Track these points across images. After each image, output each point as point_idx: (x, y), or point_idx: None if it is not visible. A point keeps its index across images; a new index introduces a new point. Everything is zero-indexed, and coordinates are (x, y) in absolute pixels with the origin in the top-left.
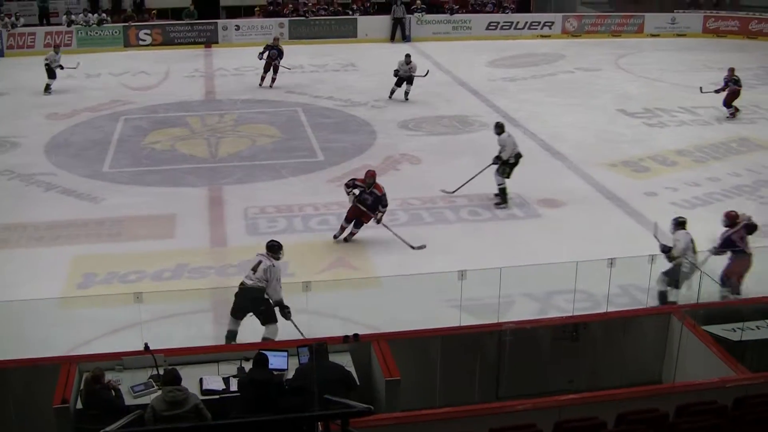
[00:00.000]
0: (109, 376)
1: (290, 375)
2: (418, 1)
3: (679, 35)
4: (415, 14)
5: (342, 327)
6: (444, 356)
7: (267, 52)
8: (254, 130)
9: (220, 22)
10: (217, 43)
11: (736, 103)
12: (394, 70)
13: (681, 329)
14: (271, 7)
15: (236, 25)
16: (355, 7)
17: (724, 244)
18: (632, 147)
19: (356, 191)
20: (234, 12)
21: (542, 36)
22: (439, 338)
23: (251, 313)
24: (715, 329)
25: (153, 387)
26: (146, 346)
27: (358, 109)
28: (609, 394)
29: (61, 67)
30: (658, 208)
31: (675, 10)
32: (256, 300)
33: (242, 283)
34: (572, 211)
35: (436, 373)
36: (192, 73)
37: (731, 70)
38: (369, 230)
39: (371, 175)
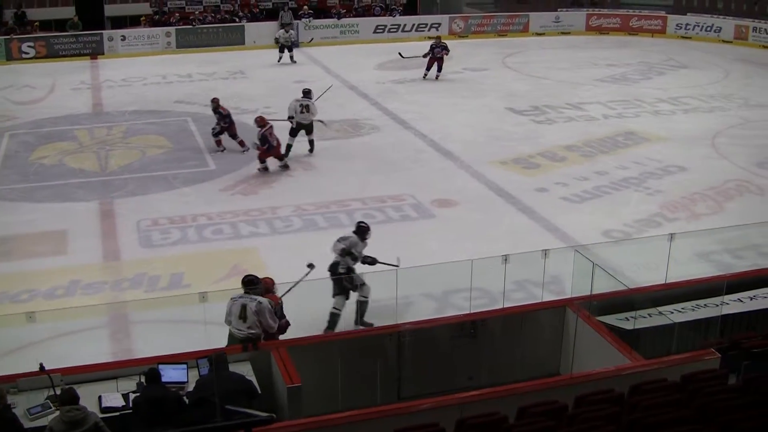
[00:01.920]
0: None
1: (191, 387)
2: (306, 7)
3: (563, 33)
4: (303, 20)
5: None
6: (344, 360)
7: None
8: (144, 142)
9: (106, 32)
10: (103, 54)
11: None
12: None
13: (576, 321)
14: (157, 17)
15: (122, 36)
16: (242, 14)
17: None
18: (522, 144)
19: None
20: (119, 22)
21: (430, 38)
22: (339, 342)
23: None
24: (609, 319)
25: (50, 408)
26: (41, 367)
27: (248, 116)
28: (509, 388)
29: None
30: (549, 203)
31: (559, 9)
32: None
33: (232, 335)
34: (466, 210)
35: (338, 377)
36: (78, 85)
37: (438, 38)
38: (265, 237)
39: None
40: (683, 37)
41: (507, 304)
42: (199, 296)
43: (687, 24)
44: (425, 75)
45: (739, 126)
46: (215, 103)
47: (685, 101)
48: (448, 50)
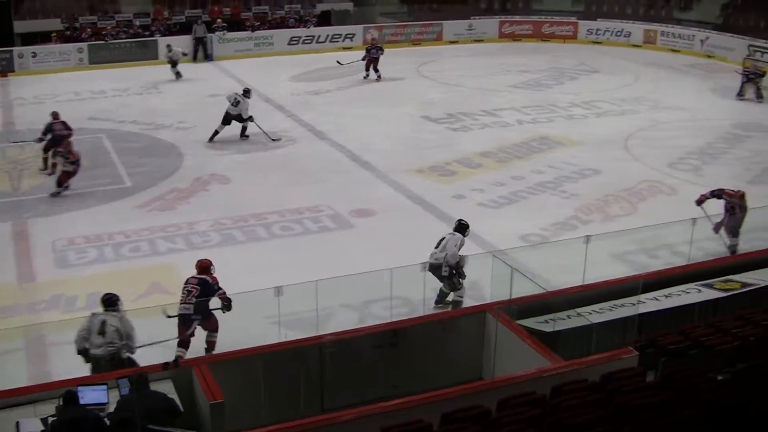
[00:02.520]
0: None
1: (112, 408)
2: (219, 20)
3: (476, 41)
4: (217, 33)
5: (163, 354)
6: (267, 373)
7: None
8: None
9: (16, 49)
10: (13, 71)
11: None
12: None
13: (496, 325)
14: (69, 32)
15: (33, 52)
16: (154, 28)
17: None
18: (438, 152)
19: None
20: (30, 38)
21: (344, 48)
22: (261, 356)
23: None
24: (529, 322)
25: None
26: None
27: (163, 132)
28: (432, 395)
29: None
30: (467, 209)
31: (471, 17)
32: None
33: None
34: (384, 220)
35: (261, 391)
36: None
37: (374, 40)
38: (183, 253)
39: None
40: (594, 42)
41: (427, 312)
42: None
43: (597, 29)
44: (366, 76)
45: (650, 128)
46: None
47: (598, 105)
48: (383, 50)
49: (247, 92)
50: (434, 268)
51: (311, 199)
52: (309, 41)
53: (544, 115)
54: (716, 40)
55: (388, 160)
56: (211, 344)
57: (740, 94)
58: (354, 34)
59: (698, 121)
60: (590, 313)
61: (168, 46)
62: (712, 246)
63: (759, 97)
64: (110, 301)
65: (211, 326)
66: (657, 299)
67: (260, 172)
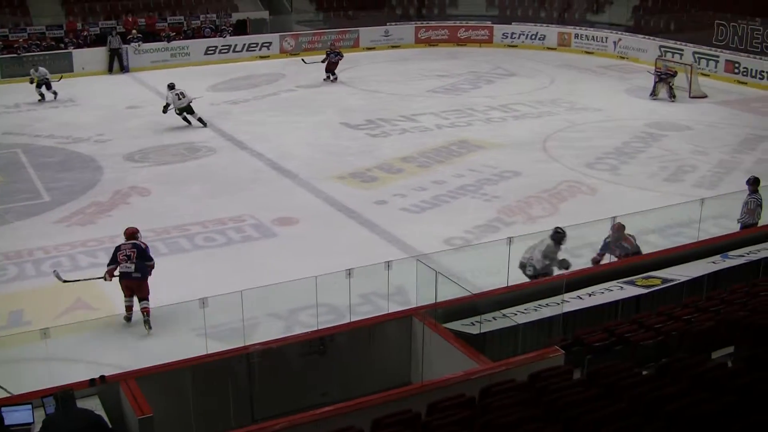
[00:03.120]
0: None
1: (38, 428)
2: (134, 31)
3: (393, 47)
4: (132, 44)
5: (88, 371)
6: (195, 386)
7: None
8: None
9: None
10: None
11: None
12: (165, 106)
13: (423, 329)
14: None
15: None
16: (68, 40)
17: None
18: (359, 158)
19: None
20: None
21: (261, 57)
22: (189, 368)
23: None
24: (455, 325)
25: None
26: None
27: (81, 145)
28: (362, 401)
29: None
30: (389, 215)
31: (388, 23)
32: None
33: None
34: (307, 227)
35: (190, 403)
36: None
37: (332, 45)
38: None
39: None
40: (510, 46)
41: (354, 318)
42: (40, 332)
43: (513, 33)
44: (325, 78)
45: (567, 129)
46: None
47: (515, 108)
48: (342, 55)
49: (172, 86)
50: (521, 266)
51: (233, 209)
52: (226, 51)
53: (462, 119)
54: (629, 41)
55: (309, 168)
56: (145, 311)
57: (653, 94)
58: (271, 43)
59: (614, 121)
60: (516, 314)
61: (34, 66)
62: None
63: (672, 96)
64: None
65: (144, 293)
66: (581, 298)
67: (181, 183)
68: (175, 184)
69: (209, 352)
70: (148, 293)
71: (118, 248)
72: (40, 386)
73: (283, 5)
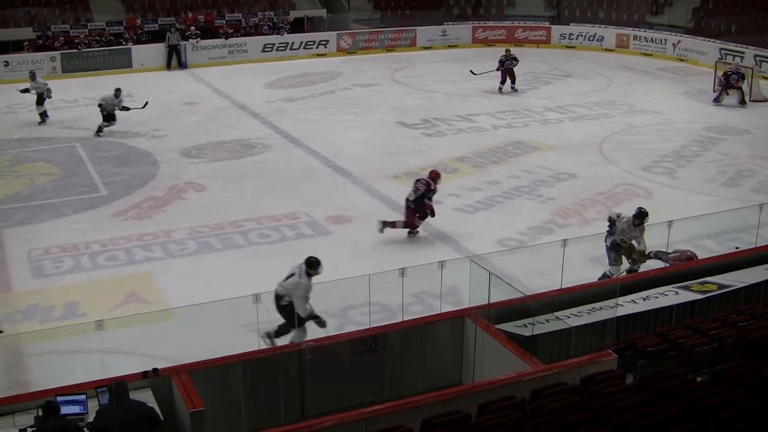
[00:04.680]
0: None
1: (92, 418)
2: (192, 27)
3: (450, 46)
4: (190, 40)
5: (141, 363)
6: (246, 381)
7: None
8: (32, 169)
9: None
10: None
11: None
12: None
13: (475, 330)
14: (41, 41)
15: (5, 61)
16: (127, 36)
17: None
18: (413, 158)
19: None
20: (2, 48)
21: (318, 55)
22: (240, 364)
23: None
24: (508, 326)
25: None
26: None
27: (138, 140)
28: (412, 401)
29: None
30: (443, 215)
31: (445, 23)
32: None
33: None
34: (361, 226)
35: (240, 399)
36: None
37: (507, 50)
38: (160, 262)
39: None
40: (567, 47)
41: (406, 317)
42: (95, 324)
43: (570, 34)
44: (500, 88)
45: (624, 132)
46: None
47: (572, 109)
48: (517, 60)
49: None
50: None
51: (288, 206)
52: (283, 48)
53: (518, 120)
54: (688, 43)
55: (364, 167)
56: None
57: (717, 101)
58: (328, 41)
59: (672, 124)
60: (568, 317)
61: (31, 73)
62: (689, 248)
63: (742, 101)
64: (311, 264)
65: (409, 222)
66: (635, 302)
67: (236, 179)
68: (230, 181)
69: (261, 348)
70: (410, 223)
71: (416, 180)
72: (94, 377)
73: (341, 3)
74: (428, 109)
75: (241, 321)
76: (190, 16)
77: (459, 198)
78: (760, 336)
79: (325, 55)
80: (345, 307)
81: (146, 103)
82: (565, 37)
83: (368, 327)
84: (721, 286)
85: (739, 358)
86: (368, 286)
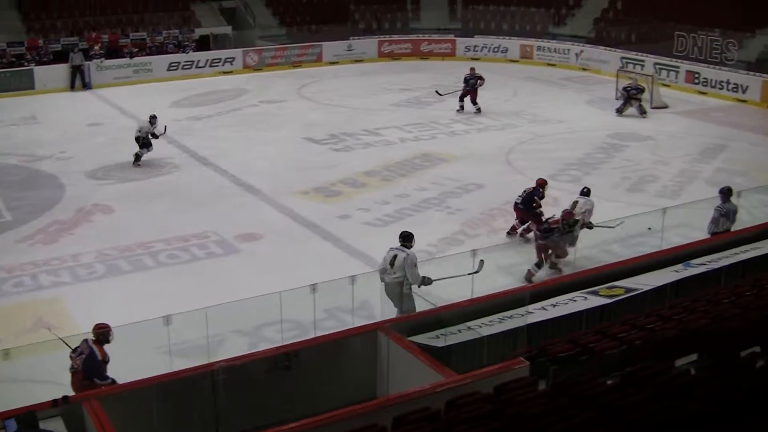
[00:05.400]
0: None
1: None
2: (96, 47)
3: (356, 61)
4: (94, 60)
5: (50, 391)
6: (160, 404)
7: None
8: None
9: None
10: None
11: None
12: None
13: (388, 343)
14: None
15: None
16: (29, 56)
17: None
18: (322, 173)
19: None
20: None
21: (224, 72)
22: (153, 387)
23: None
24: (420, 338)
25: None
26: None
27: (43, 163)
28: (328, 417)
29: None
30: (353, 229)
31: (351, 37)
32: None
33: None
34: (271, 243)
35: (154, 422)
36: None
37: (472, 69)
38: (69, 286)
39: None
40: (472, 59)
41: (319, 333)
42: (1, 353)
43: (475, 46)
44: (461, 108)
45: (530, 141)
46: None
47: (478, 121)
48: (483, 79)
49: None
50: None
51: (197, 226)
52: (188, 66)
53: (426, 133)
54: (590, 53)
55: (273, 183)
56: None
57: (620, 112)
58: (234, 58)
59: (576, 132)
60: (480, 326)
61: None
62: (597, 254)
63: (643, 112)
64: (406, 237)
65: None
66: (545, 309)
67: (144, 200)
68: (138, 202)
69: (173, 370)
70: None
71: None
72: (1, 408)
73: (246, 20)
74: (336, 123)
75: (152, 343)
76: (93, 35)
77: (368, 212)
78: (668, 337)
79: (232, 72)
80: (258, 325)
81: (165, 127)
82: (470, 50)
83: (281, 344)
84: (628, 290)
85: (648, 359)
86: (280, 304)
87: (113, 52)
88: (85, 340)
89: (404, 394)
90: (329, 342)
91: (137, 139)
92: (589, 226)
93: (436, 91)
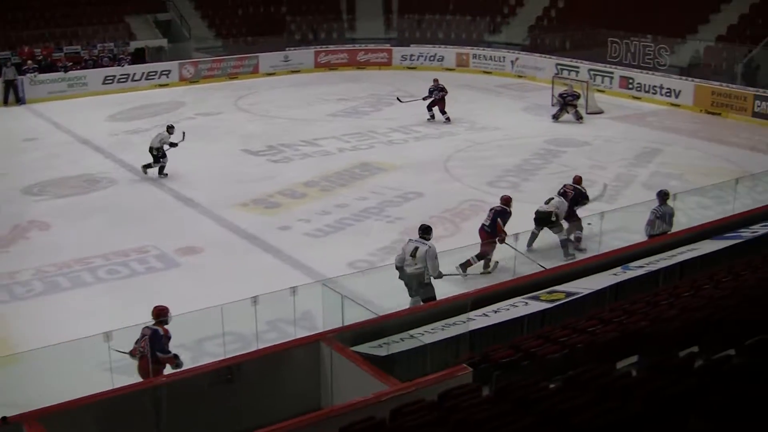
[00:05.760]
0: None
1: None
2: (30, 61)
3: (293, 72)
4: (28, 75)
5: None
6: (101, 422)
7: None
8: None
9: None
10: None
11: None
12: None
13: (331, 354)
14: None
15: None
16: None
17: None
18: (261, 185)
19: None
20: None
21: (160, 85)
22: (94, 405)
23: None
24: (363, 348)
25: None
26: None
27: None
28: (272, 429)
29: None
30: (294, 240)
31: (287, 48)
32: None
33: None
34: (211, 256)
35: None
36: None
37: (436, 80)
38: (6, 305)
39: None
40: (409, 68)
41: (261, 345)
42: None
43: (411, 55)
44: (430, 118)
45: (468, 149)
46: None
47: (416, 129)
48: (446, 91)
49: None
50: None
51: (136, 240)
52: (124, 80)
53: (364, 142)
54: (526, 60)
55: (212, 196)
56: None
57: (556, 118)
58: (170, 71)
59: (514, 139)
60: (423, 334)
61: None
62: (537, 258)
63: (579, 118)
64: (425, 230)
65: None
66: (486, 315)
67: (81, 215)
68: (75, 217)
69: (115, 387)
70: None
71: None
72: None
73: (182, 32)
74: (273, 135)
75: (93, 360)
76: (26, 49)
77: (308, 223)
78: (608, 340)
79: (168, 85)
80: (199, 338)
81: (184, 134)
82: (406, 59)
83: (224, 357)
84: (568, 294)
85: (590, 362)
86: (221, 317)
87: (47, 66)
88: (146, 327)
89: (348, 405)
90: (272, 354)
91: (152, 149)
92: (557, 229)
93: (397, 98)
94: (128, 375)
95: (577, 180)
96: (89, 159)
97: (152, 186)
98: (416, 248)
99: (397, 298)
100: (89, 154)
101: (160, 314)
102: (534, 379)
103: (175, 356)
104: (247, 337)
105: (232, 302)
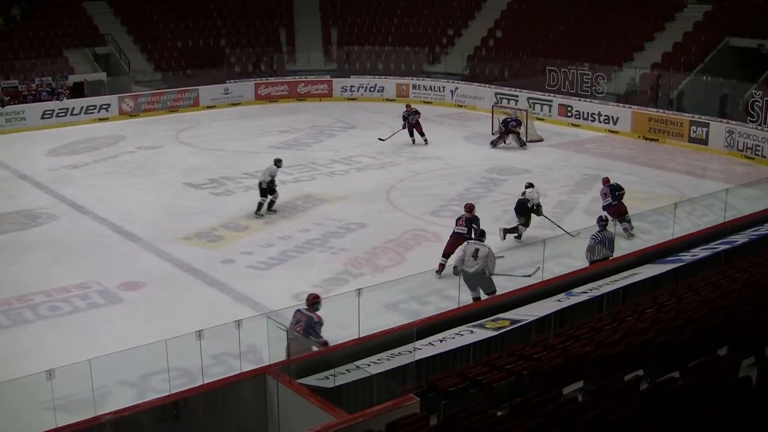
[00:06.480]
0: None
1: None
2: None
3: (234, 104)
4: None
5: None
6: None
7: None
8: None
9: None
10: None
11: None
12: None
13: (277, 387)
14: None
15: None
16: None
17: None
18: (203, 218)
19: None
20: None
21: (100, 119)
22: None
23: None
24: (310, 380)
25: None
26: None
27: None
28: None
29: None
30: (237, 273)
31: (227, 81)
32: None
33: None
34: (154, 291)
35: None
36: None
37: (408, 106)
38: None
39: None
40: (349, 99)
41: (207, 380)
42: None
43: (351, 86)
44: (413, 142)
45: (409, 179)
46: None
47: (358, 160)
48: (419, 113)
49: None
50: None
51: (77, 276)
52: (63, 114)
53: (306, 174)
54: (465, 90)
55: (154, 230)
56: None
57: (494, 144)
58: (109, 104)
59: (455, 168)
60: (369, 365)
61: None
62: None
63: (522, 144)
64: (482, 234)
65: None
66: (432, 344)
67: (21, 252)
68: (14, 253)
69: (58, 426)
70: None
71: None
72: None
73: (121, 66)
74: (215, 168)
75: (35, 399)
76: None
77: (251, 255)
78: (554, 365)
79: (108, 119)
80: (144, 374)
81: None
82: (346, 90)
83: (169, 393)
84: (513, 321)
85: (536, 388)
86: (165, 352)
87: None
88: (298, 310)
89: None
90: (217, 388)
91: (261, 184)
92: (538, 211)
93: (379, 138)
94: (71, 414)
95: (469, 207)
96: (28, 194)
97: (93, 221)
98: (477, 249)
99: (342, 330)
100: (28, 189)
101: (314, 303)
102: (481, 407)
103: (325, 342)
104: (193, 372)
105: (176, 337)
